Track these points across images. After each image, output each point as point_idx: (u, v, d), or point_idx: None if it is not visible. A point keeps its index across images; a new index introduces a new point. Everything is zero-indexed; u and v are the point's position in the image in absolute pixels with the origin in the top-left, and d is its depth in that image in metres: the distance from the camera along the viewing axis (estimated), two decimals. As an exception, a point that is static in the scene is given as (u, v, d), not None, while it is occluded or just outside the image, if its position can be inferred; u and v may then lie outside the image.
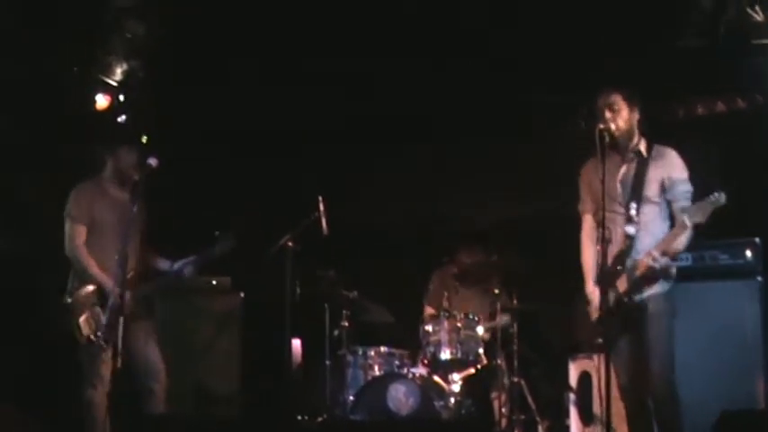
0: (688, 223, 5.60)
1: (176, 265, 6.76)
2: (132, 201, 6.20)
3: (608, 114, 5.84)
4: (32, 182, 7.89)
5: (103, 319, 6.39)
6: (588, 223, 6.08)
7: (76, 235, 6.55)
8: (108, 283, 6.43)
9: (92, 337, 6.38)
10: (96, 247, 6.55)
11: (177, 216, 7.74)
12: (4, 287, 7.59)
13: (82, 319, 6.42)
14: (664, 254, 5.69)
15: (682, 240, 5.71)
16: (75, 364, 6.51)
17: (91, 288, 6.47)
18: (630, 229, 5.81)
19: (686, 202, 5.78)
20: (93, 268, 6.49)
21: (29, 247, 7.81)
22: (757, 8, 6.90)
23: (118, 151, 6.64)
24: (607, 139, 5.71)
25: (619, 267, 5.79)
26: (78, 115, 7.82)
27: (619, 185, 5.87)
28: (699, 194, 5.77)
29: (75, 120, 7.81)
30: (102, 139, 6.84)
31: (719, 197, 5.53)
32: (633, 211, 5.82)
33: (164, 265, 6.80)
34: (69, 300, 6.49)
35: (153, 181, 6.41)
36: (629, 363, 5.82)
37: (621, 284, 5.79)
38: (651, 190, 5.85)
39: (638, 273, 5.74)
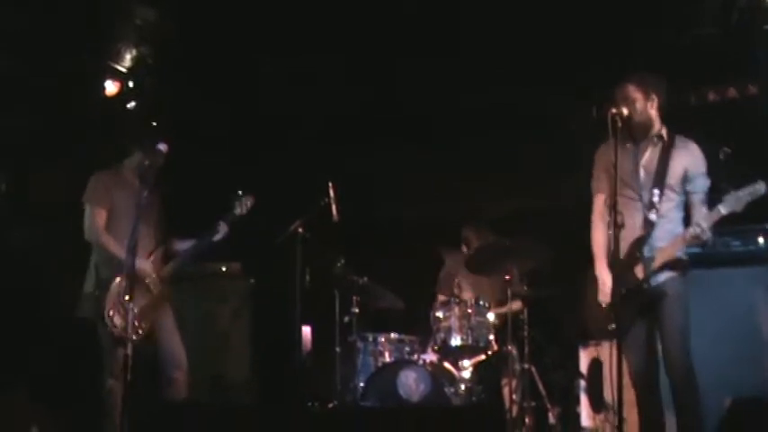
0: (723, 212, 5.58)
1: (204, 235, 6.76)
2: (142, 185, 6.19)
3: (623, 107, 5.80)
4: (46, 175, 7.89)
5: (133, 311, 6.32)
6: (600, 203, 6.05)
7: (97, 218, 6.56)
8: (131, 262, 6.29)
9: (121, 329, 6.31)
10: (113, 234, 6.54)
11: (184, 203, 7.72)
12: (18, 280, 7.60)
13: (111, 310, 6.41)
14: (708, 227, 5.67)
15: (708, 234, 5.69)
16: (93, 353, 6.51)
17: (119, 279, 6.43)
18: (652, 216, 5.79)
19: (704, 195, 5.79)
20: (116, 249, 6.44)
21: (43, 241, 7.81)
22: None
23: (152, 151, 6.44)
24: (619, 123, 5.67)
25: (637, 255, 5.76)
26: (99, 108, 7.83)
27: (642, 170, 5.84)
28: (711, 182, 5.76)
29: (88, 113, 7.82)
30: (138, 134, 6.76)
31: (760, 187, 5.52)
32: (656, 198, 5.80)
33: (181, 245, 6.80)
34: (97, 291, 6.48)
35: (164, 166, 6.41)
36: (642, 348, 5.80)
37: (639, 271, 5.76)
38: (673, 179, 5.83)
39: (660, 259, 5.71)
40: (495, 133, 8.34)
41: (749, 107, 7.86)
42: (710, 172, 5.87)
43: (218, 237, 6.75)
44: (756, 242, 6.91)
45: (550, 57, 7.54)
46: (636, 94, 5.85)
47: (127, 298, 6.10)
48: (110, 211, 6.59)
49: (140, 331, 6.35)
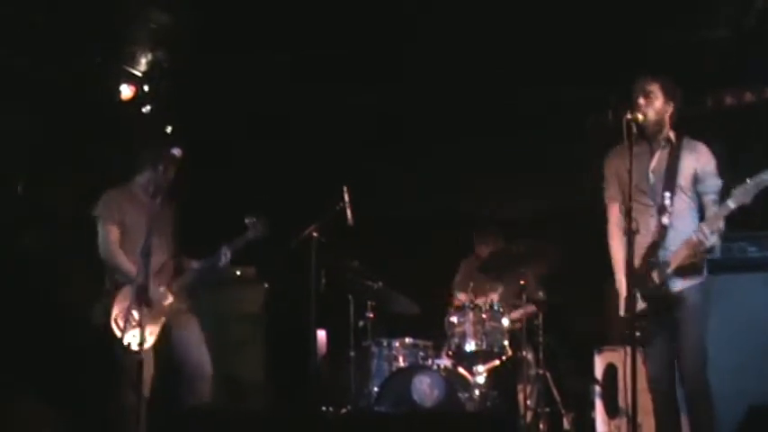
0: (732, 205, 5.55)
1: (211, 256, 6.76)
2: (155, 193, 6.18)
3: (641, 101, 5.79)
4: (57, 179, 7.91)
5: (138, 320, 6.28)
6: (616, 212, 6.02)
7: (110, 235, 6.59)
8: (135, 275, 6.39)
9: (127, 340, 6.33)
10: (127, 249, 6.57)
11: (198, 208, 7.73)
12: (31, 283, 7.62)
13: (118, 319, 6.42)
14: (712, 232, 5.64)
15: (722, 224, 5.66)
16: (104, 358, 6.52)
17: (126, 288, 6.46)
18: (665, 220, 5.77)
19: (716, 196, 5.75)
20: (129, 267, 6.48)
21: (53, 245, 7.83)
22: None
23: (164, 164, 6.46)
24: (634, 129, 5.65)
25: (652, 259, 5.74)
26: (114, 112, 7.85)
27: (651, 175, 5.82)
28: (726, 186, 5.72)
29: (103, 116, 7.84)
30: (149, 152, 6.72)
31: (765, 177, 5.49)
32: (667, 201, 5.78)
33: (193, 263, 6.81)
34: (105, 300, 6.50)
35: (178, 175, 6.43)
36: (661, 355, 5.77)
37: (656, 275, 5.74)
38: (684, 180, 5.81)
39: (682, 256, 5.69)
40: (515, 134, 8.31)
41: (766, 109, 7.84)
42: (721, 172, 5.84)
43: (221, 264, 6.75)
44: (773, 248, 6.89)
45: (566, 57, 7.51)
46: (658, 92, 5.85)
47: (134, 310, 6.19)
48: (122, 227, 6.61)
49: (146, 342, 6.28)
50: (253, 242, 6.81)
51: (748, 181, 5.52)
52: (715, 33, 7.10)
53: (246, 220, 6.79)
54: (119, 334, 6.36)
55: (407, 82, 7.96)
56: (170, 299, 6.60)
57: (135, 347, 6.20)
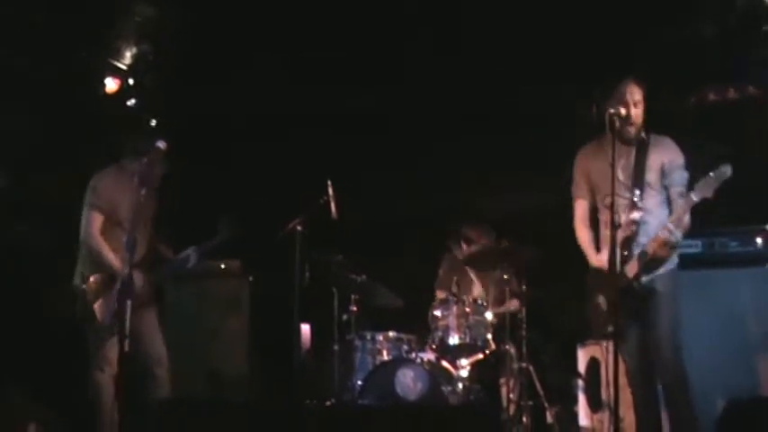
0: (695, 198, 5.62)
1: (180, 255, 6.82)
2: (140, 184, 6.18)
3: (633, 109, 5.87)
4: (42, 173, 7.90)
5: (113, 304, 6.42)
6: (582, 208, 6.16)
7: (92, 222, 6.60)
8: (120, 268, 6.39)
9: (105, 322, 6.43)
10: (113, 235, 6.60)
11: (183, 201, 7.73)
12: (17, 278, 7.62)
13: (97, 304, 6.48)
14: (677, 227, 5.72)
15: (688, 217, 5.75)
16: (82, 347, 6.55)
17: (103, 273, 6.51)
18: (635, 215, 5.84)
19: (683, 188, 5.85)
20: (108, 254, 6.53)
21: (43, 239, 7.83)
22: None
23: (150, 157, 6.41)
24: (617, 123, 5.70)
25: (625, 253, 5.80)
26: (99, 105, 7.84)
27: (621, 172, 5.87)
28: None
29: (89, 110, 7.83)
30: (139, 137, 6.76)
31: (726, 170, 5.59)
32: (637, 198, 5.85)
33: (168, 253, 6.86)
34: (83, 285, 6.51)
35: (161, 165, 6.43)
36: (637, 348, 5.83)
37: (631, 269, 5.80)
38: (652, 176, 5.91)
39: (651, 251, 5.74)
40: (496, 131, 8.33)
41: (750, 106, 7.87)
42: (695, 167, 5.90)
43: (188, 265, 6.81)
44: (755, 243, 6.93)
45: (551, 55, 7.54)
46: (640, 96, 5.90)
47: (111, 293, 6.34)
48: (109, 213, 6.63)
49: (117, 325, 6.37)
50: (223, 244, 6.83)
51: (710, 175, 5.58)
52: (699, 31, 7.13)
53: (219, 225, 6.80)
54: (100, 318, 6.42)
55: (390, 78, 7.97)
56: (144, 287, 6.61)
57: (112, 331, 6.31)
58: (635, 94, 5.91)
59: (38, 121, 7.67)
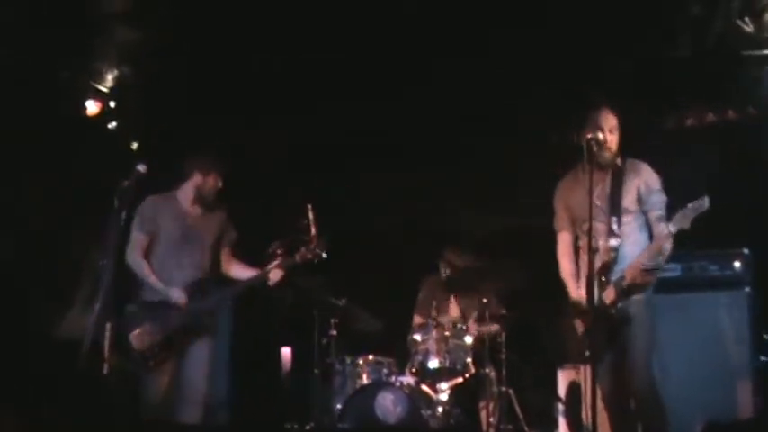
0: (672, 230, 5.65)
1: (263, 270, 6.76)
2: (119, 208, 6.18)
3: (608, 136, 5.90)
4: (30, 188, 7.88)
5: (156, 335, 6.48)
6: (565, 240, 6.19)
7: (135, 244, 6.64)
8: (162, 289, 6.53)
9: (144, 352, 6.47)
10: (158, 258, 6.66)
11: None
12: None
13: (135, 333, 6.49)
14: (654, 257, 5.76)
15: (666, 247, 5.78)
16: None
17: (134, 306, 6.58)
18: (613, 242, 5.86)
19: (661, 212, 5.86)
20: (150, 276, 6.59)
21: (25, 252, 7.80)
22: (747, 20, 6.93)
23: (207, 175, 6.72)
24: (595, 148, 5.74)
25: (603, 278, 5.81)
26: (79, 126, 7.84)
27: (596, 201, 5.88)
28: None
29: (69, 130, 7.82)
30: (198, 159, 6.84)
31: (703, 202, 5.61)
32: (614, 225, 5.87)
33: (241, 273, 6.84)
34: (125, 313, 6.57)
35: (144, 187, 6.43)
36: (613, 372, 5.84)
37: (608, 295, 5.81)
38: (628, 201, 5.93)
39: (629, 277, 5.76)
40: (477, 153, 8.36)
41: (729, 131, 7.92)
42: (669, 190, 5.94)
43: (272, 282, 6.75)
44: (733, 267, 6.97)
45: (527, 79, 7.58)
46: (614, 122, 5.95)
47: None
48: (155, 235, 6.68)
49: (155, 359, 6.48)
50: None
51: (688, 206, 5.62)
52: (675, 54, 7.18)
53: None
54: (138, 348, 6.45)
55: (372, 96, 7.99)
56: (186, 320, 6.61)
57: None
58: (609, 120, 5.94)
59: (17, 137, 7.63)
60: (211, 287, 6.74)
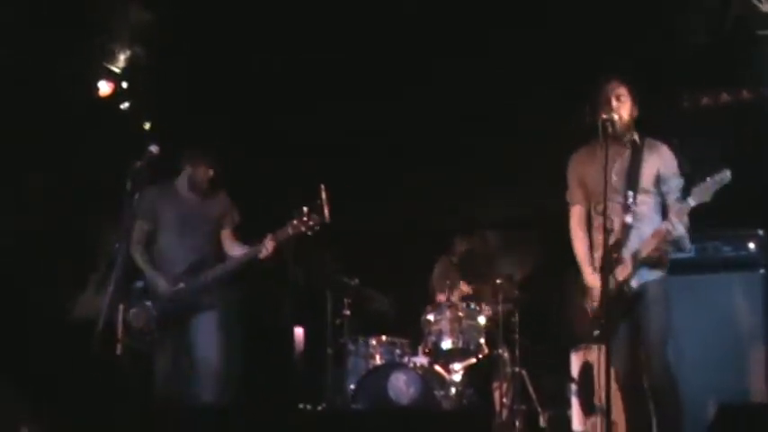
0: (692, 203, 5.61)
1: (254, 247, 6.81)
2: (132, 190, 6.20)
3: (615, 103, 5.85)
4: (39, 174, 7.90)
5: (151, 313, 6.69)
6: (578, 213, 6.10)
7: (136, 232, 6.81)
8: (158, 279, 6.73)
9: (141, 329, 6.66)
10: (161, 243, 6.87)
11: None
12: (9, 277, 7.61)
13: (133, 310, 6.66)
14: (678, 223, 5.69)
15: (686, 220, 5.72)
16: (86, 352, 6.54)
17: (141, 283, 6.78)
18: (628, 218, 5.82)
19: (679, 194, 5.81)
20: (144, 264, 6.81)
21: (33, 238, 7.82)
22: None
23: (198, 167, 6.94)
24: (610, 129, 5.70)
25: (615, 255, 5.78)
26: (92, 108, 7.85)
27: (614, 176, 5.85)
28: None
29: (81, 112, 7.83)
30: (187, 153, 7.03)
31: (724, 175, 5.55)
32: (630, 201, 5.83)
33: (238, 251, 6.91)
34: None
35: (157, 168, 6.44)
36: (627, 352, 5.82)
37: (622, 272, 5.78)
38: (646, 181, 5.87)
39: (648, 249, 5.73)
40: (489, 138, 8.34)
41: (743, 111, 7.88)
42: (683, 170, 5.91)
43: (262, 255, 6.75)
44: (747, 248, 6.92)
45: (542, 64, 7.56)
46: (627, 94, 5.91)
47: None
48: (155, 223, 6.88)
49: (152, 336, 6.64)
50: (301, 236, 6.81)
51: (708, 179, 5.58)
52: (693, 40, 7.15)
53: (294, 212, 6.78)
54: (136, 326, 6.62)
55: (385, 86, 7.99)
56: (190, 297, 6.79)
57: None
58: (617, 88, 5.89)
59: (28, 121, 7.64)
60: (210, 267, 6.82)
